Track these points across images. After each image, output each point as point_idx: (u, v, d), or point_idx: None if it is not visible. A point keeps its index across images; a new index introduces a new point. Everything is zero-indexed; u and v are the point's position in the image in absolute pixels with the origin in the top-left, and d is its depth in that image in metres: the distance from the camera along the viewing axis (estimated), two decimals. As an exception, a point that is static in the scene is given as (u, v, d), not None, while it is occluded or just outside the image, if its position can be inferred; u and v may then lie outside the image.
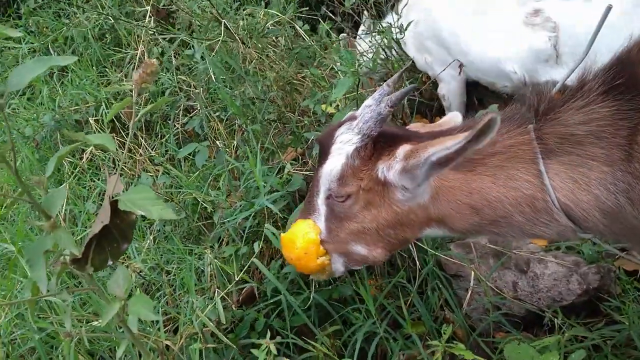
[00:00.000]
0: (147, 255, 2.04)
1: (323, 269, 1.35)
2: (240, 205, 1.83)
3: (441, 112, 3.02)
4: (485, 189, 1.20)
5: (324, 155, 1.30)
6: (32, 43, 3.69)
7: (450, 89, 2.78)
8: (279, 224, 1.83)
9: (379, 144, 1.24)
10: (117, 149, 2.98)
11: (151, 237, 2.09)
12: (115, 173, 2.87)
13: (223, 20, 2.68)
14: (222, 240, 1.95)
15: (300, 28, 2.87)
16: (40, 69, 0.77)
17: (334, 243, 1.32)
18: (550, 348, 1.46)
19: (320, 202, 1.31)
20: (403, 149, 1.18)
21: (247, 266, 1.66)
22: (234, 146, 2.53)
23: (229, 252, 1.73)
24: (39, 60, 0.78)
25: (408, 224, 1.27)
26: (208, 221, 2.12)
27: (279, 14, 2.95)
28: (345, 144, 1.25)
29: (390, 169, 1.20)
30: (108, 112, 3.04)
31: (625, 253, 1.94)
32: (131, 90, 0.94)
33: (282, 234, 1.37)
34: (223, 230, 1.85)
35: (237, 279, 1.59)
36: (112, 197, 0.92)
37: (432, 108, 3.11)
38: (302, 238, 1.31)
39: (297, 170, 2.06)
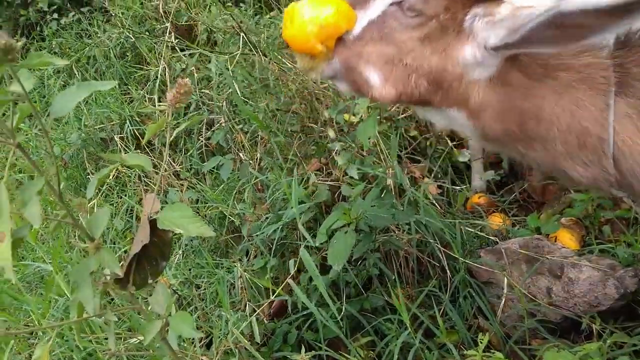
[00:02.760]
0: (177, 270, 2.06)
1: (312, 56, 1.11)
2: (267, 218, 1.84)
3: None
4: (543, 103, 1.06)
5: None
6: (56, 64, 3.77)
7: None
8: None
9: None
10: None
11: (180, 252, 2.11)
12: (149, 191, 2.94)
13: (241, 34, 2.72)
14: (250, 253, 1.96)
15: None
16: (84, 94, 0.79)
17: (352, 51, 1.11)
18: (592, 355, 1.42)
19: (381, 2, 1.09)
20: (510, 4, 0.98)
21: (278, 279, 1.66)
22: (257, 158, 2.55)
23: (258, 265, 1.74)
24: (81, 86, 0.80)
25: (445, 88, 1.09)
26: (235, 234, 2.14)
27: None
28: None
29: (487, 17, 1.00)
30: (133, 129, 3.09)
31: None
32: (158, 110, 0.95)
33: None
34: (251, 243, 1.86)
35: (272, 297, 1.58)
36: (150, 216, 0.94)
37: None
38: (332, 13, 1.07)
39: (321, 180, 2.06)
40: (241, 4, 3.66)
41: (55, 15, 4.28)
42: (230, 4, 3.73)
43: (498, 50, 1.02)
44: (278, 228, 1.76)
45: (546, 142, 1.07)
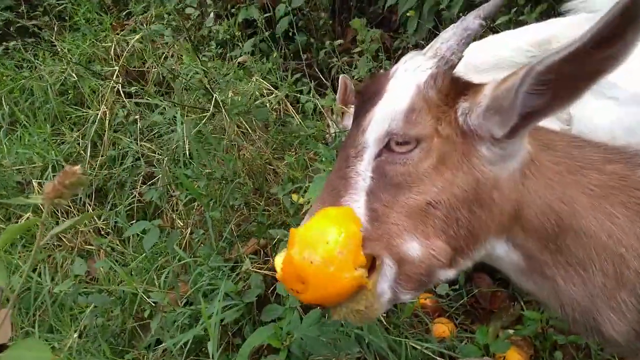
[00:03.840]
0: (68, 358, 1.71)
1: (358, 291, 0.85)
2: (184, 313, 1.56)
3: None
4: (575, 204, 0.93)
5: (371, 99, 0.95)
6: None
7: None
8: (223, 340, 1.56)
9: (455, 84, 0.92)
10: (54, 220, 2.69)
11: (75, 335, 1.77)
12: (60, 248, 2.59)
13: (206, 85, 2.47)
14: (160, 349, 1.65)
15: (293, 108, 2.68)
16: None
17: (380, 237, 0.88)
18: None
19: (362, 168, 0.92)
20: (492, 83, 0.88)
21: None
22: (190, 229, 2.28)
23: (163, 373, 1.44)
24: None
25: (488, 205, 0.90)
26: (147, 321, 1.83)
27: (273, 89, 2.79)
28: (413, 72, 0.93)
29: (474, 107, 0.88)
30: (53, 175, 2.75)
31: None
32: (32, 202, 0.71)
33: (292, 229, 0.90)
34: (169, 343, 1.56)
35: None
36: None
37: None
38: (336, 231, 0.83)
39: (256, 267, 1.82)
40: (205, 51, 3.49)
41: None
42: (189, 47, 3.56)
43: (510, 136, 0.88)
44: (189, 340, 1.45)
45: (584, 266, 0.92)
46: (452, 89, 0.91)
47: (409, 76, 0.94)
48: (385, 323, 1.64)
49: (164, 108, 2.54)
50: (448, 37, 0.94)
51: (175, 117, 2.58)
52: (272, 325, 1.31)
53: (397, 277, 0.89)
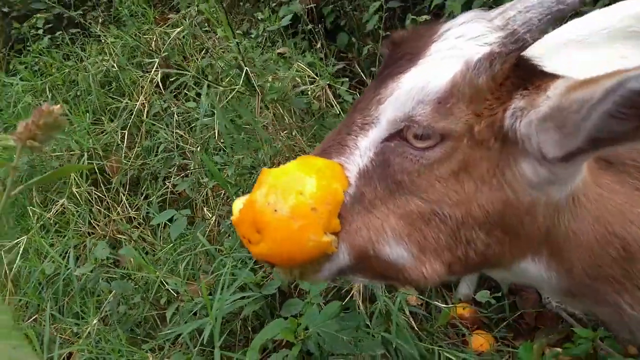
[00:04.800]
0: (85, 344, 1.65)
1: (319, 257, 0.72)
2: (200, 305, 1.47)
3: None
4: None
5: (403, 59, 0.75)
6: (28, 81, 3.51)
7: None
8: (242, 335, 1.46)
9: (518, 72, 0.70)
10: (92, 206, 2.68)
11: (95, 320, 1.71)
12: (94, 235, 2.57)
13: (245, 69, 2.39)
14: (178, 341, 1.57)
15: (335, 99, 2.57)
16: None
17: (353, 222, 0.74)
18: None
19: (364, 143, 0.75)
20: (563, 82, 0.67)
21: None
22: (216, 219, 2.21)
23: (176, 364, 1.35)
24: None
25: (515, 231, 0.72)
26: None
27: (314, 75, 2.69)
28: (467, 41, 0.71)
29: (529, 111, 0.67)
30: (90, 163, 2.76)
31: None
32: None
33: (265, 169, 0.76)
34: (177, 331, 1.48)
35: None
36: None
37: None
38: (316, 183, 0.70)
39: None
40: (250, 34, 3.43)
41: (42, 32, 4.06)
42: (240, 31, 3.52)
43: (566, 160, 0.67)
44: (207, 323, 1.38)
45: None
46: (512, 78, 0.70)
47: (461, 46, 0.71)
48: (417, 329, 1.50)
49: (197, 95, 2.48)
50: (529, 5, 0.70)
51: (211, 105, 2.53)
52: (290, 319, 1.20)
53: (354, 264, 0.75)
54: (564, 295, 0.85)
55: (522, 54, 0.72)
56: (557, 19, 0.70)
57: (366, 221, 0.73)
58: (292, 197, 0.69)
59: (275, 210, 0.69)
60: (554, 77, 0.71)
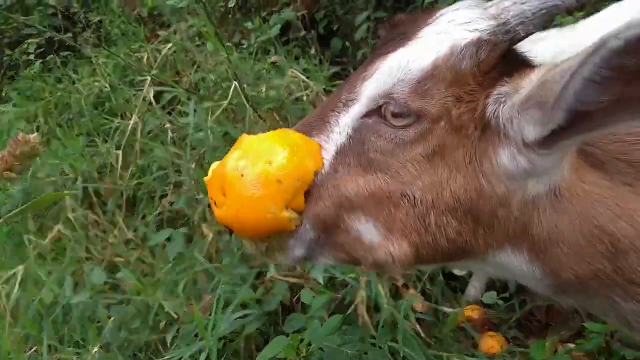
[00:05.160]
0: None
1: (277, 231, 0.72)
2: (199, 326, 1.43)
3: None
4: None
5: (395, 40, 0.75)
6: (21, 106, 3.50)
7: None
8: (246, 354, 1.41)
9: (505, 62, 0.69)
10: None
11: (96, 348, 1.67)
12: (90, 260, 2.55)
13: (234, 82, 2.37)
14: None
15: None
16: None
17: (326, 201, 0.73)
18: None
19: (344, 120, 0.75)
20: (544, 68, 0.66)
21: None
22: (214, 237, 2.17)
23: (178, 389, 1.31)
24: None
25: (487, 222, 0.71)
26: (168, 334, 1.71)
27: (308, 81, 2.66)
28: (457, 26, 0.71)
29: (512, 94, 0.67)
30: (84, 187, 2.73)
31: None
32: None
33: (244, 134, 0.76)
34: (176, 355, 1.44)
35: None
36: None
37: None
38: (288, 156, 0.70)
39: (282, 275, 1.67)
40: (242, 45, 3.41)
41: (34, 57, 4.06)
42: (233, 41, 3.50)
43: (547, 146, 0.65)
44: (206, 349, 1.33)
45: None
46: (498, 68, 0.69)
47: (450, 30, 0.71)
48: (424, 336, 1.45)
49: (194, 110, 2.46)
50: None
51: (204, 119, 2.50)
52: (291, 335, 1.16)
53: (321, 244, 0.75)
54: (552, 291, 0.82)
55: (513, 46, 0.70)
56: (553, 15, 0.68)
57: (337, 194, 0.73)
58: (260, 165, 0.69)
59: (242, 175, 0.69)
60: (537, 67, 0.70)
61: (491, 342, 1.72)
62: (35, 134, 0.63)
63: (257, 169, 0.69)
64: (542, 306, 1.95)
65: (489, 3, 0.75)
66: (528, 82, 0.66)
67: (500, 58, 0.69)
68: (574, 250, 0.72)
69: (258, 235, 0.73)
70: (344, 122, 0.75)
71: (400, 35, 0.76)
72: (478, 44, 0.69)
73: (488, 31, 0.69)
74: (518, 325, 1.96)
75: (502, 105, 0.68)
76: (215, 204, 0.72)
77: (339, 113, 0.76)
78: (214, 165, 0.75)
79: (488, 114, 0.69)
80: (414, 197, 0.71)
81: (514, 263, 0.75)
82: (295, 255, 0.77)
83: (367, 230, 0.73)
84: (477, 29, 0.70)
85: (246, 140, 0.73)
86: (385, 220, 0.72)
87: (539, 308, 1.97)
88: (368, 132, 0.73)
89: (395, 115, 0.71)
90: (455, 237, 0.72)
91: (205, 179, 0.74)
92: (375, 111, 0.73)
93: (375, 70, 0.74)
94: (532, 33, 0.69)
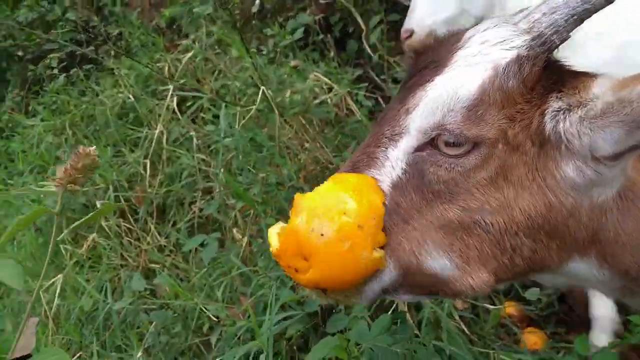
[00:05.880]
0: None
1: (371, 274, 0.71)
2: (243, 328, 1.44)
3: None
4: None
5: (428, 68, 0.75)
6: (48, 120, 3.58)
7: None
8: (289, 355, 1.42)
9: (549, 74, 0.70)
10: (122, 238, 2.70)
11: (139, 353, 1.70)
12: (126, 267, 2.60)
13: (261, 88, 2.39)
14: (223, 366, 1.54)
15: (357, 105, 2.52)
16: None
17: (395, 238, 0.72)
18: None
19: (394, 155, 0.74)
20: (607, 80, 0.66)
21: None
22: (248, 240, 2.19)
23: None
24: None
25: (560, 234, 0.71)
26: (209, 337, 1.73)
27: (331, 83, 2.68)
28: (493, 46, 0.71)
29: (576, 109, 0.66)
30: (115, 196, 2.78)
31: None
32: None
33: (298, 194, 0.74)
34: (224, 358, 1.45)
35: None
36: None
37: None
38: (356, 200, 0.69)
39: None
40: (262, 51, 3.43)
41: (57, 71, 4.14)
42: (252, 48, 3.53)
43: (619, 157, 0.66)
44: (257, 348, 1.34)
45: None
46: (543, 81, 0.69)
47: (487, 51, 0.71)
48: (467, 333, 1.45)
49: (214, 117, 2.49)
50: (554, 6, 0.69)
51: (230, 125, 2.53)
52: (338, 335, 1.17)
53: (398, 282, 0.74)
54: (621, 293, 0.82)
55: (550, 55, 0.71)
56: (586, 17, 0.69)
57: (405, 233, 0.72)
58: (336, 219, 0.68)
59: (322, 235, 0.68)
60: (586, 75, 0.70)
61: (534, 339, 1.71)
62: (94, 147, 0.64)
63: (335, 223, 0.68)
64: (582, 301, 1.92)
65: (516, 18, 0.75)
66: (596, 96, 0.65)
67: (544, 71, 0.69)
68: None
69: (351, 286, 0.72)
70: (395, 156, 0.74)
71: (432, 63, 0.75)
72: (519, 60, 0.69)
73: (525, 46, 0.70)
74: (558, 320, 1.94)
75: (562, 122, 0.68)
76: (296, 270, 0.70)
77: (386, 148, 0.75)
78: (273, 233, 0.73)
79: (547, 130, 0.69)
80: (486, 223, 0.70)
81: (585, 270, 0.76)
82: (370, 294, 0.76)
83: (442, 266, 0.72)
84: (513, 46, 0.70)
85: (307, 200, 0.72)
86: (460, 252, 0.71)
87: (579, 303, 1.95)
88: (426, 164, 0.72)
89: (449, 144, 0.71)
90: (530, 255, 0.72)
91: (273, 251, 0.72)
92: (429, 143, 0.73)
93: (418, 101, 0.73)
94: (566, 39, 0.69)
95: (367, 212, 0.69)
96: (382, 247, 0.71)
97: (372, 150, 0.76)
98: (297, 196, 0.73)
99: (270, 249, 0.73)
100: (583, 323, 1.91)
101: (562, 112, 0.68)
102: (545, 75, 0.69)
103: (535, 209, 0.70)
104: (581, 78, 0.70)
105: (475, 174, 0.70)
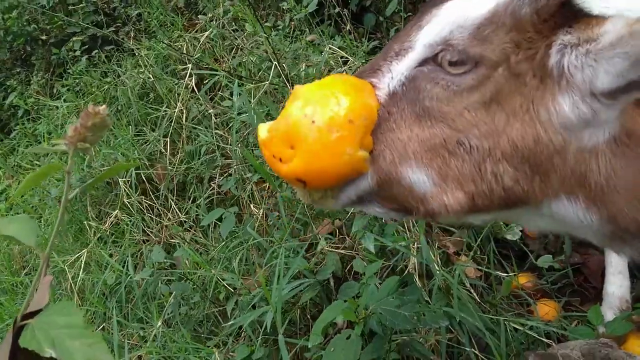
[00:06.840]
0: (153, 346, 1.71)
1: (350, 175, 0.73)
2: (258, 296, 1.49)
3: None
4: None
5: None
6: (72, 101, 3.66)
7: None
8: (302, 324, 1.46)
9: (564, 9, 0.69)
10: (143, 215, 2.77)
11: (159, 323, 1.76)
12: (148, 242, 2.68)
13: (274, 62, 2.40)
14: (240, 333, 1.60)
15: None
16: None
17: (380, 146, 0.74)
18: None
19: (397, 69, 0.76)
20: (622, 18, 0.64)
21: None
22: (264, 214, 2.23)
23: (241, 355, 1.37)
24: None
25: (544, 170, 0.71)
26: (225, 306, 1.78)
27: (347, 56, 2.67)
28: None
29: (584, 43, 0.66)
30: (138, 173, 2.85)
31: None
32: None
33: (297, 86, 0.76)
34: (238, 323, 1.50)
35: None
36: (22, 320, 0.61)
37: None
38: (352, 96, 0.70)
39: (332, 247, 1.71)
40: (278, 27, 3.44)
41: (79, 53, 4.22)
42: (268, 24, 3.54)
43: (616, 95, 0.66)
44: (268, 312, 1.39)
45: None
46: (557, 15, 0.68)
47: None
48: (479, 301, 1.46)
49: (232, 94, 2.51)
50: None
51: (248, 101, 2.55)
52: (349, 299, 1.20)
53: (374, 191, 0.76)
54: (611, 241, 0.81)
55: None
56: None
57: (390, 142, 0.73)
58: (330, 108, 0.69)
59: (313, 122, 0.68)
60: (601, 18, 0.68)
61: (546, 309, 1.70)
62: (104, 105, 0.66)
63: (329, 112, 0.68)
64: (597, 272, 1.91)
65: None
66: (608, 32, 0.64)
67: (560, 6, 0.68)
68: (634, 195, 0.71)
69: (331, 183, 0.73)
70: (398, 70, 0.76)
71: None
72: None
73: None
74: (572, 291, 1.93)
75: (569, 54, 0.67)
76: (280, 160, 0.71)
77: (391, 62, 0.76)
78: (264, 125, 0.75)
79: (551, 62, 0.68)
80: (470, 145, 0.70)
81: (570, 212, 0.75)
82: (345, 200, 0.78)
83: (420, 180, 0.73)
84: None
85: (305, 90, 0.73)
86: (440, 170, 0.72)
87: (594, 274, 1.93)
88: (423, 80, 0.73)
89: (452, 63, 0.71)
90: (511, 185, 0.71)
91: (260, 139, 0.74)
92: (432, 58, 0.73)
93: (432, 18, 0.74)
94: None
95: (360, 110, 0.70)
96: (369, 152, 0.73)
97: (378, 62, 0.78)
98: (296, 87, 0.75)
99: (258, 140, 0.75)
100: (598, 294, 1.90)
101: (570, 46, 0.67)
102: (560, 11, 0.68)
103: (522, 140, 0.69)
104: (596, 17, 0.68)
105: (469, 95, 0.70)
